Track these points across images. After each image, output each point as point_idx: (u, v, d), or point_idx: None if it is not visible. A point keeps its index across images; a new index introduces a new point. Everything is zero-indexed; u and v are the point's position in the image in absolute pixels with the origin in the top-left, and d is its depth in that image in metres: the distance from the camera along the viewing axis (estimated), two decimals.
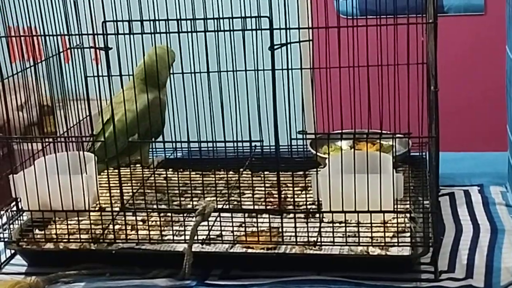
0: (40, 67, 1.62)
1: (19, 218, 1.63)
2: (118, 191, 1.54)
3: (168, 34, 1.47)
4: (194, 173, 1.80)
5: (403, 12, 1.40)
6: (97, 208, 1.63)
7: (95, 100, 1.54)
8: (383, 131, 1.46)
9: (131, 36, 1.44)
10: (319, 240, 1.47)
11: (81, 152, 1.59)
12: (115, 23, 1.43)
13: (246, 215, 1.57)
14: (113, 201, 1.58)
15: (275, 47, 1.38)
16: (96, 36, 1.45)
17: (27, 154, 1.66)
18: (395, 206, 1.46)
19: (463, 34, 3.66)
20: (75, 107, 1.72)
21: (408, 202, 1.57)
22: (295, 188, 1.66)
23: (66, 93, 1.66)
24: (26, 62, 1.61)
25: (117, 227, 1.57)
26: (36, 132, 2.95)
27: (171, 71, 1.82)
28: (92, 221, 1.56)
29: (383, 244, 1.46)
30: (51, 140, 1.64)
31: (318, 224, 1.51)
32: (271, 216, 1.57)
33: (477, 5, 3.64)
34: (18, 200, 1.61)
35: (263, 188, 1.70)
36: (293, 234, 1.47)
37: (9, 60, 1.54)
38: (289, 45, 1.43)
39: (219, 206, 1.56)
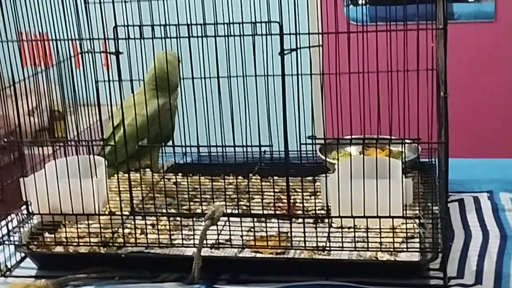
0: (51, 72, 1.63)
1: (29, 221, 1.64)
2: (128, 195, 1.55)
3: (178, 39, 1.47)
4: (203, 177, 1.80)
5: (413, 18, 1.40)
6: (107, 212, 1.63)
7: (106, 105, 1.55)
8: (393, 137, 1.46)
9: (142, 40, 1.45)
10: (328, 245, 1.47)
11: (91, 156, 1.59)
12: (126, 27, 1.43)
13: (255, 219, 1.58)
14: (122, 205, 1.58)
15: (285, 52, 1.38)
16: (107, 41, 1.46)
17: (38, 158, 1.67)
18: (404, 212, 1.46)
19: (473, 40, 3.66)
20: (86, 112, 1.72)
21: (417, 208, 1.57)
22: (304, 193, 1.66)
23: (77, 98, 1.67)
24: (37, 68, 1.62)
25: (126, 231, 1.58)
26: (47, 137, 2.96)
27: (181, 76, 1.83)
28: (101, 225, 1.57)
29: (392, 249, 1.45)
30: (61, 144, 1.65)
31: (327, 229, 1.51)
32: (280, 221, 1.58)
33: (487, 12, 3.64)
34: (29, 203, 1.62)
35: (272, 193, 1.70)
36: (302, 239, 1.47)
37: (21, 65, 1.55)
38: (299, 51, 1.43)
39: (228, 211, 1.56)
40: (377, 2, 1.79)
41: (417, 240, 1.50)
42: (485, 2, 3.66)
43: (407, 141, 1.52)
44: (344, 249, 1.46)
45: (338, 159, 1.65)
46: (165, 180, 1.85)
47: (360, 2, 3.64)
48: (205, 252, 1.49)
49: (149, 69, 1.82)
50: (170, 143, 1.79)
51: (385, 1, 1.54)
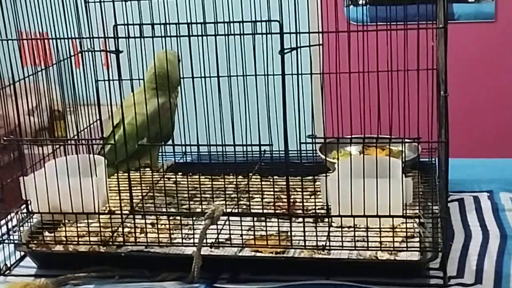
0: (51, 71, 1.63)
1: (29, 220, 1.64)
2: (128, 194, 1.55)
3: (178, 38, 1.47)
4: (203, 177, 1.80)
5: (413, 19, 1.40)
6: (106, 211, 1.63)
7: (106, 105, 1.55)
8: (393, 136, 1.46)
9: (142, 39, 1.45)
10: (327, 244, 1.47)
11: (91, 155, 1.59)
12: (126, 26, 1.43)
13: (255, 219, 1.58)
14: (122, 204, 1.58)
15: (285, 51, 1.38)
16: (107, 40, 1.46)
17: (38, 157, 1.67)
18: (404, 211, 1.46)
19: (473, 40, 3.66)
20: (86, 112, 1.72)
21: (417, 207, 1.57)
22: (304, 193, 1.66)
23: (77, 97, 1.67)
24: (37, 67, 1.62)
25: (126, 230, 1.58)
26: (47, 137, 2.96)
27: (181, 75, 1.83)
28: (101, 224, 1.57)
29: (392, 249, 1.45)
30: (61, 143, 1.65)
31: (327, 229, 1.51)
32: (280, 220, 1.58)
33: (488, 12, 3.64)
34: (28, 202, 1.62)
35: (272, 192, 1.70)
36: (302, 238, 1.47)
37: (21, 64, 1.55)
38: (299, 50, 1.43)
39: (228, 210, 1.56)
40: (377, 2, 1.79)
41: (417, 239, 1.50)
42: (485, 2, 3.66)
43: (407, 140, 1.51)
44: (344, 248, 1.46)
45: (338, 159, 1.65)
46: (165, 179, 1.85)
47: (360, 2, 3.64)
48: (205, 251, 1.49)
49: (149, 68, 1.82)
50: (170, 142, 1.79)
51: (385, 1, 1.54)
